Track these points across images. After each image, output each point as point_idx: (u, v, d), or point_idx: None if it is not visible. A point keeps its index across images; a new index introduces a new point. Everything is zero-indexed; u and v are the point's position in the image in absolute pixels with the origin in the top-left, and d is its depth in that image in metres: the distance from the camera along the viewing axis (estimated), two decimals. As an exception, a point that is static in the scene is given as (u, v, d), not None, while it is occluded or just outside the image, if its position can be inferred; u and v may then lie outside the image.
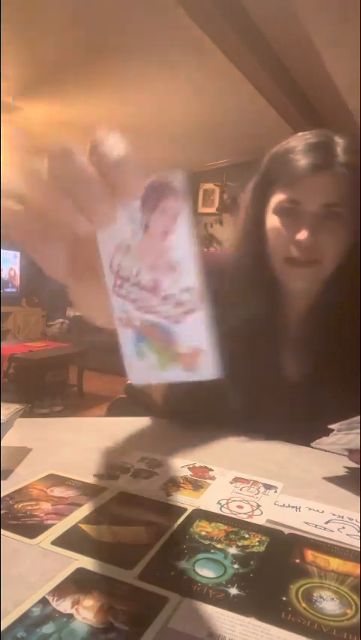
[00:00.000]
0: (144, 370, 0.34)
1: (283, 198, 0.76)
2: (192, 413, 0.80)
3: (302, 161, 0.74)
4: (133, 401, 1.04)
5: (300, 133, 0.79)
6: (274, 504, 0.54)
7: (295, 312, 0.85)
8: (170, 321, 0.32)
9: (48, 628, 0.33)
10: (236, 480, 0.60)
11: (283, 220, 0.76)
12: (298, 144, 0.76)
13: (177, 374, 0.33)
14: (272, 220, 0.78)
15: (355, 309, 0.77)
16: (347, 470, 0.66)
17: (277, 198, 0.77)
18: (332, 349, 0.79)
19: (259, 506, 0.54)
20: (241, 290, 0.82)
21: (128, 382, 1.09)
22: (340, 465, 0.68)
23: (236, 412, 0.78)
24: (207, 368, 0.32)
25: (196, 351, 0.32)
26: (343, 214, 0.74)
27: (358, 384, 0.74)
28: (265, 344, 0.83)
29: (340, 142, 0.76)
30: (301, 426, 0.71)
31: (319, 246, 0.74)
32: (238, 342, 0.76)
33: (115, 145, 0.29)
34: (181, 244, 0.30)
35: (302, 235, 0.73)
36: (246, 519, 0.50)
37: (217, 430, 0.78)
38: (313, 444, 0.64)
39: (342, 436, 0.63)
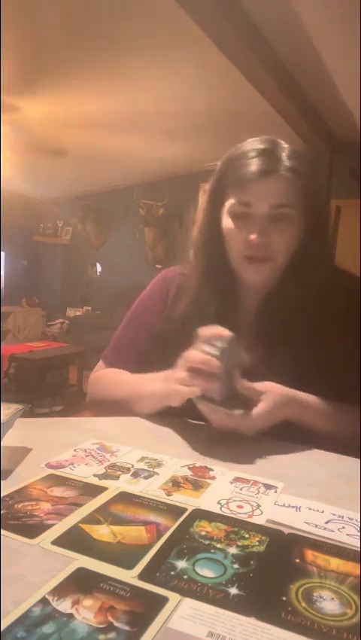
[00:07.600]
0: None
1: (236, 201, 0.83)
2: None
3: (252, 167, 0.80)
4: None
5: (249, 139, 0.86)
6: (274, 504, 0.54)
7: (251, 303, 0.92)
8: None
9: (48, 628, 0.33)
10: (236, 479, 0.60)
11: (236, 222, 0.84)
12: (248, 151, 0.83)
13: None
14: (227, 222, 0.85)
15: (305, 298, 0.85)
16: (347, 470, 0.66)
17: (231, 201, 0.84)
18: (283, 335, 0.85)
19: (259, 506, 0.54)
20: (199, 285, 0.91)
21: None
22: (340, 465, 0.68)
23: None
24: None
25: None
26: (291, 215, 0.81)
27: (307, 367, 0.81)
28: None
29: (284, 149, 0.83)
30: None
31: (269, 245, 0.82)
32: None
33: None
34: None
35: (253, 236, 0.81)
36: (246, 519, 0.50)
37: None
38: None
39: None
